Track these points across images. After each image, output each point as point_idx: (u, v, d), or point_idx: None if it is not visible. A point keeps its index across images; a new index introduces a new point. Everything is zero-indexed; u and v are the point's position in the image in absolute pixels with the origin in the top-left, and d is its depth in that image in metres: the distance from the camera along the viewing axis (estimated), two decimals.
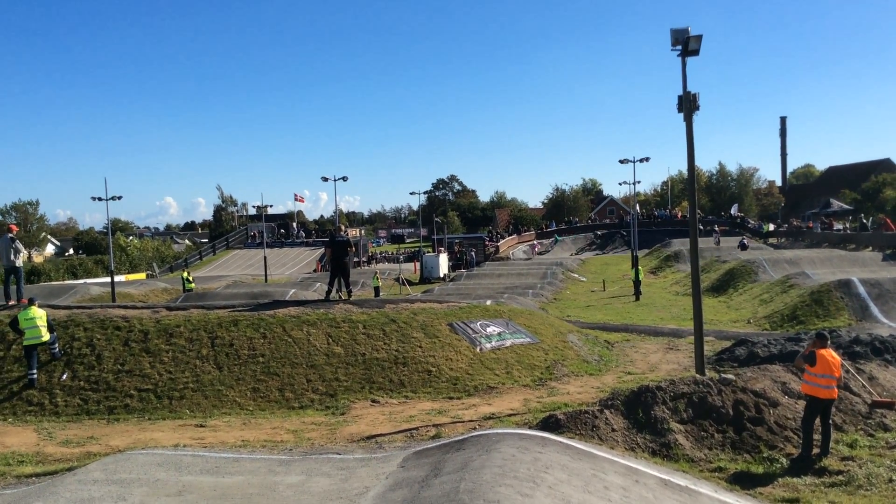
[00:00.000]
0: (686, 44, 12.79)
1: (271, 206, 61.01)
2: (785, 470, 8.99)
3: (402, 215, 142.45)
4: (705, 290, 30.22)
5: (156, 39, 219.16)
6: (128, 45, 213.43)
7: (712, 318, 24.67)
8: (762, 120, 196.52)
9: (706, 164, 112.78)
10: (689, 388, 10.46)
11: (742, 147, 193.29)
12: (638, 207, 65.39)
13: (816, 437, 9.38)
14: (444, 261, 51.30)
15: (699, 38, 12.75)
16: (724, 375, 11.29)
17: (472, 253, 56.92)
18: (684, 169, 77.03)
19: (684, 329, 21.39)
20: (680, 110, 13.27)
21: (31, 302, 14.24)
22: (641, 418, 9.99)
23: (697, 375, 11.92)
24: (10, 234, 16.51)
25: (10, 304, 16.12)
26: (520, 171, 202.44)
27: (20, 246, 16.56)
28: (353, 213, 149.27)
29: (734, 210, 70.44)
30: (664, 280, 41.69)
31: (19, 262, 16.44)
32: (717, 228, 58.33)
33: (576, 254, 64.43)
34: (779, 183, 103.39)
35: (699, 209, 54.91)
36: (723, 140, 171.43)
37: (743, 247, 48.61)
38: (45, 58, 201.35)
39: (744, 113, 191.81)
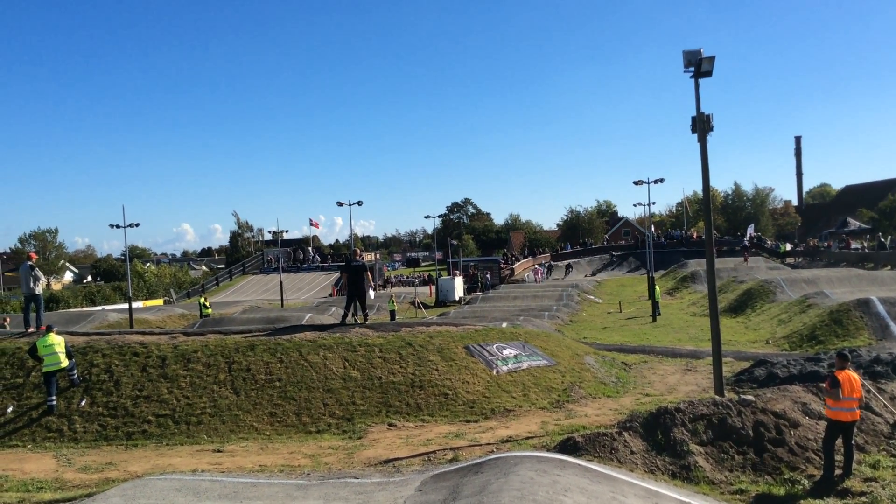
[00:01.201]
0: (699, 65, 12.84)
1: (287, 231, 61.24)
2: (807, 492, 8.86)
3: (417, 239, 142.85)
4: (723, 311, 30.01)
5: (174, 68, 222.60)
6: (146, 74, 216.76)
7: (730, 339, 24.46)
8: (777, 140, 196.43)
9: (721, 184, 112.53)
10: (708, 410, 10.36)
11: (757, 167, 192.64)
12: (653, 228, 65.11)
13: (838, 457, 9.25)
14: (459, 284, 51.31)
15: (712, 59, 12.79)
16: (743, 396, 11.17)
17: (488, 275, 56.91)
18: (699, 189, 76.96)
19: (702, 350, 21.21)
20: (694, 131, 13.27)
21: (49, 329, 14.39)
22: (660, 440, 9.90)
23: (716, 397, 11.80)
24: (30, 262, 16.69)
25: (30, 331, 16.29)
26: (534, 193, 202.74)
27: (39, 273, 16.72)
28: (369, 237, 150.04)
29: (751, 230, 69.89)
30: (681, 301, 41.42)
31: (39, 290, 16.61)
32: None
33: (591, 275, 64.17)
34: (795, 202, 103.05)
35: (715, 230, 54.88)
36: (738, 160, 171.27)
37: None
38: (62, 86, 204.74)
39: (758, 133, 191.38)
